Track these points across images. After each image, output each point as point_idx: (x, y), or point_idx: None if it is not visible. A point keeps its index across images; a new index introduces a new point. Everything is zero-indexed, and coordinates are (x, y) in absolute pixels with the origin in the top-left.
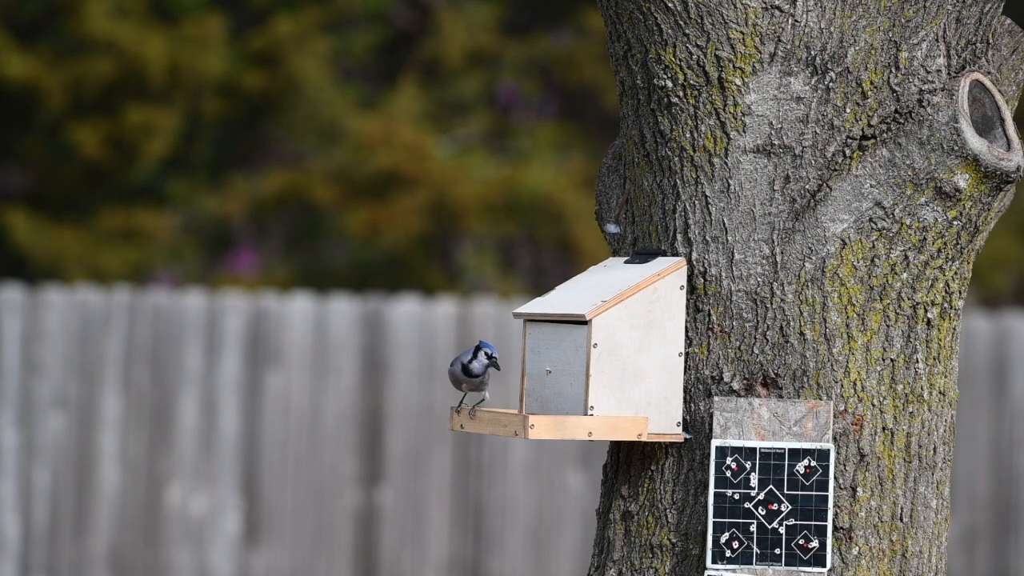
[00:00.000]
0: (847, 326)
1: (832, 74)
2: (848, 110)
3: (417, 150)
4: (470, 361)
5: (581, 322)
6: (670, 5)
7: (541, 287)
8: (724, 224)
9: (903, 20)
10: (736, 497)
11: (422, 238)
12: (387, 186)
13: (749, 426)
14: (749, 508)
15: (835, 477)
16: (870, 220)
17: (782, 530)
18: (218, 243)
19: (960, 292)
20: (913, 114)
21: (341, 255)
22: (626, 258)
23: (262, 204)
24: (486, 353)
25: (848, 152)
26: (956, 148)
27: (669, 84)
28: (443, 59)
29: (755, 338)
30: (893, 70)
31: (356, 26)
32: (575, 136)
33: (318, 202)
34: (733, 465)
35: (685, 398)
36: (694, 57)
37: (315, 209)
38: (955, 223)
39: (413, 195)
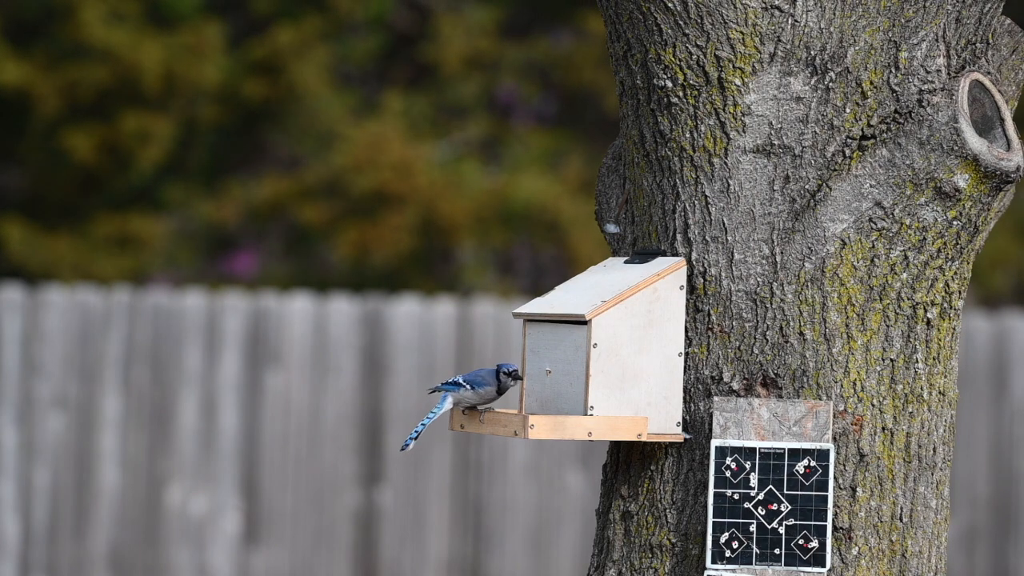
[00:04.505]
0: (847, 326)
1: (832, 74)
2: (848, 110)
3: (405, 167)
4: (499, 387)
5: (581, 322)
6: (670, 5)
7: (540, 288)
8: (724, 224)
9: (903, 20)
10: (736, 497)
11: (413, 255)
12: (375, 205)
13: (749, 426)
14: (749, 508)
15: (835, 477)
16: (870, 220)
17: (782, 530)
18: (213, 248)
19: (960, 292)
20: (913, 114)
21: (339, 266)
22: (626, 258)
23: (257, 210)
24: (505, 372)
25: (848, 152)
26: (956, 148)
27: (669, 84)
28: (441, 63)
29: (755, 338)
30: (893, 70)
31: (356, 33)
32: (570, 141)
33: (306, 223)
34: (733, 465)
35: (685, 398)
36: (694, 57)
37: (305, 230)
38: (955, 223)
39: (401, 213)
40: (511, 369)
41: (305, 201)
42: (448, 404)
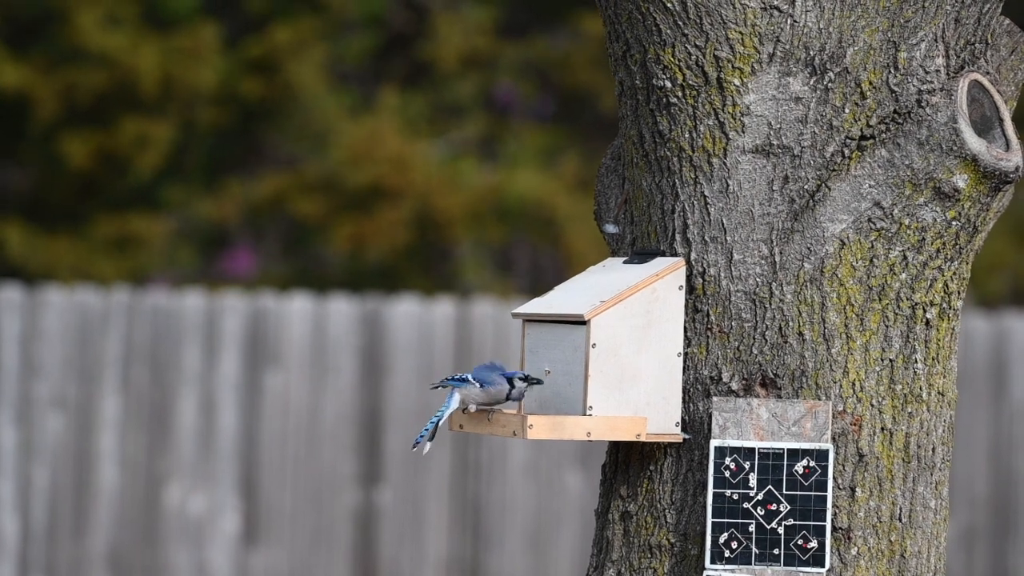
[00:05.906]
0: (846, 326)
1: (831, 74)
2: (847, 110)
3: (401, 162)
4: (510, 391)
5: (580, 322)
6: (669, 5)
7: (539, 288)
8: (723, 224)
9: (902, 20)
10: (735, 497)
11: (408, 250)
12: (371, 199)
13: (748, 426)
14: (748, 508)
15: (834, 477)
16: (869, 220)
17: (781, 530)
18: (214, 247)
19: (959, 292)
20: (912, 114)
21: (336, 261)
22: (625, 258)
23: (256, 208)
24: (520, 377)
25: (847, 152)
26: (955, 148)
27: (668, 84)
28: (439, 62)
29: (754, 338)
30: (892, 70)
31: (352, 31)
32: (568, 139)
33: (303, 217)
34: (732, 465)
35: (684, 398)
36: (693, 57)
37: (301, 223)
38: (954, 223)
39: (397, 207)
40: (523, 376)
41: (302, 195)
42: (456, 400)
